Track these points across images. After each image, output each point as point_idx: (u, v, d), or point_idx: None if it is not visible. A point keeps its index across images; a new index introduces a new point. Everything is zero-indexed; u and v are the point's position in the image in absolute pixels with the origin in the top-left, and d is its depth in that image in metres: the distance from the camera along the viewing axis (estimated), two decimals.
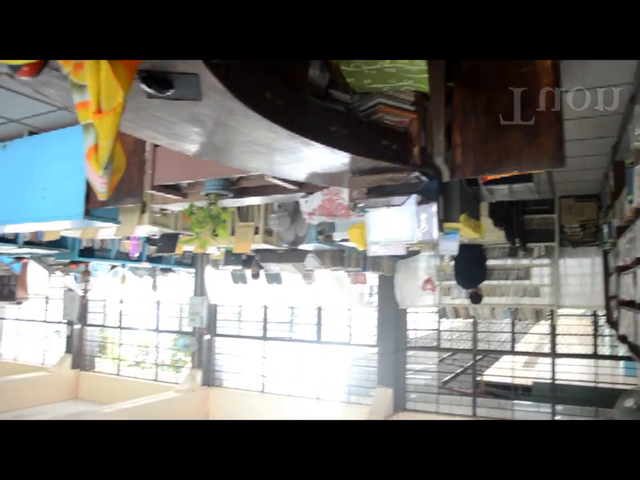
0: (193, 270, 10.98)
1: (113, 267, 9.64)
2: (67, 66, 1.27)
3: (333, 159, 2.46)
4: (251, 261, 7.57)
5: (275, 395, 10.73)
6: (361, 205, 2.64)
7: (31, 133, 5.28)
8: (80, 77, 1.25)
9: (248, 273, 8.06)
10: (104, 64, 1.22)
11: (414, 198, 2.68)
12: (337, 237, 5.46)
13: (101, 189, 1.41)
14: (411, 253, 7.87)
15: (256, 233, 5.83)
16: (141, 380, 12.46)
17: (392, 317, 9.66)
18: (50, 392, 12.12)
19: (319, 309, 10.62)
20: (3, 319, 14.88)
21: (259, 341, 11.29)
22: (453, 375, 10.88)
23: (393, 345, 9.62)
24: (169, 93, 1.61)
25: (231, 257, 7.37)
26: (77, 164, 4.53)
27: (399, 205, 2.61)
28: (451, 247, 3.91)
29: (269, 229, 5.87)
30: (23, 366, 13.59)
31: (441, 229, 2.92)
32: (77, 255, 7.86)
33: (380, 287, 9.87)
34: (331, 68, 2.60)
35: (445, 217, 3.08)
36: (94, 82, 1.23)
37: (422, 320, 10.29)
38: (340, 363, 11.06)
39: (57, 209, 4.70)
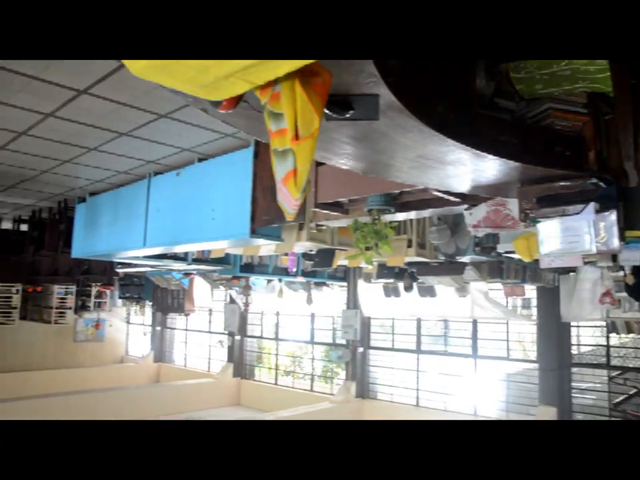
0: (346, 283, 11.18)
1: (269, 281, 10.16)
2: (263, 97, 1.37)
3: (502, 170, 2.38)
4: (403, 273, 7.54)
5: (429, 409, 10.53)
6: (533, 215, 2.53)
7: (200, 160, 5.71)
8: (276, 106, 1.34)
9: (400, 285, 8.03)
10: (299, 93, 1.29)
11: (591, 206, 2.51)
12: (501, 248, 5.25)
13: (292, 211, 1.49)
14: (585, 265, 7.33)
15: (409, 245, 5.80)
16: (297, 389, 12.88)
17: (554, 330, 9.05)
18: (215, 397, 13.00)
19: (475, 322, 10.27)
20: (174, 328, 16.25)
21: (413, 354, 11.18)
22: (626, 396, 9.91)
23: (555, 360, 9.02)
24: (348, 115, 1.67)
25: (384, 270, 7.40)
26: (242, 186, 4.83)
27: (576, 214, 2.46)
28: (633, 257, 3.59)
29: (422, 242, 5.81)
30: (191, 372, 14.75)
31: (622, 238, 2.70)
32: (238, 270, 8.41)
33: (539, 299, 9.32)
34: (496, 76, 2.53)
35: (627, 224, 2.84)
36: (290, 110, 1.30)
37: (584, 334, 9.53)
38: (496, 378, 10.59)
39: (225, 228, 5.02)
